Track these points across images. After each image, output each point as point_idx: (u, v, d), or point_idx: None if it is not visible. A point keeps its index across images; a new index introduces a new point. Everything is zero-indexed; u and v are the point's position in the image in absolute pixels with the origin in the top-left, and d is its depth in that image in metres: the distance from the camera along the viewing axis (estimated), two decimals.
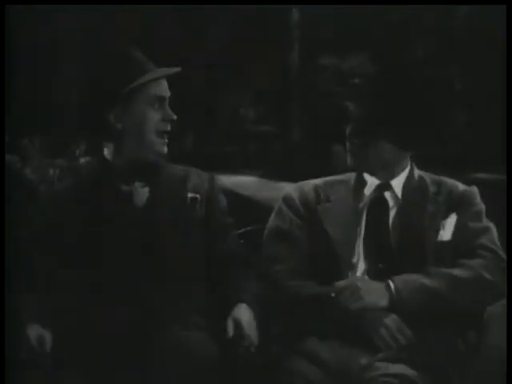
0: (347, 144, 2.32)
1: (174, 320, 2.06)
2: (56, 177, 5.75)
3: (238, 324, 2.01)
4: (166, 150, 2.21)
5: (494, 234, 2.23)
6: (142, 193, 2.19)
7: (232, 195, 2.67)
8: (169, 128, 2.21)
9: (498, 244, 2.22)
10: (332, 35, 11.64)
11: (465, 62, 10.79)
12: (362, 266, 2.22)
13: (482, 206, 2.28)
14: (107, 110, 2.17)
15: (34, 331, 2.01)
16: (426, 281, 2.12)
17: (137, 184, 2.19)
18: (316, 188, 2.31)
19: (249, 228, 2.43)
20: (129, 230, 2.14)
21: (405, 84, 2.39)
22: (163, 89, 2.22)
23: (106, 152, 2.22)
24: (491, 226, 2.25)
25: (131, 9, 10.16)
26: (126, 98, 2.16)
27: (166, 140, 2.21)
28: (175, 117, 2.21)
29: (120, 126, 2.17)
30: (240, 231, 2.37)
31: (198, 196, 2.21)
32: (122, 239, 2.13)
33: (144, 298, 2.08)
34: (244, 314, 2.05)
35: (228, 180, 5.55)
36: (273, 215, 2.31)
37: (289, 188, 2.35)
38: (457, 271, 2.15)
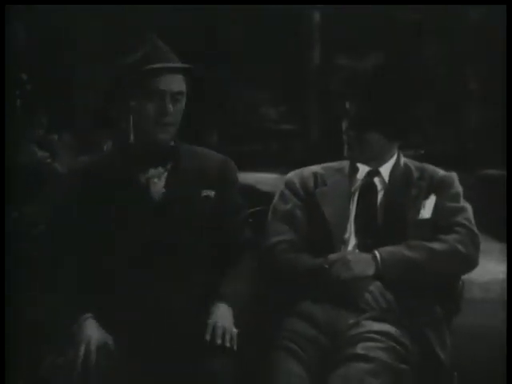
0: (344, 136, 2.62)
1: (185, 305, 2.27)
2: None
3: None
4: (169, 138, 2.34)
5: (469, 213, 2.51)
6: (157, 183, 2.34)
7: (252, 190, 2.94)
8: (171, 120, 2.32)
9: (473, 222, 2.49)
10: (350, 36, 11.79)
11: (471, 63, 10.89)
12: (352, 241, 2.49)
13: (460, 189, 2.56)
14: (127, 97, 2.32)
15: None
16: (408, 252, 2.40)
17: (151, 171, 2.35)
18: (314, 174, 2.61)
19: (258, 208, 2.72)
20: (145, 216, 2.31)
21: (395, 83, 2.68)
22: (168, 83, 2.32)
23: (123, 141, 2.37)
24: (467, 206, 2.53)
25: (144, 9, 10.26)
26: (131, 92, 2.31)
27: (170, 129, 2.34)
28: (172, 109, 2.31)
29: (129, 119, 2.32)
30: (250, 210, 2.66)
31: (211, 194, 2.38)
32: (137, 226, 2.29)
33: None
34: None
35: (249, 176, 5.82)
36: (276, 197, 2.60)
37: (291, 174, 2.63)
38: (435, 245, 2.42)
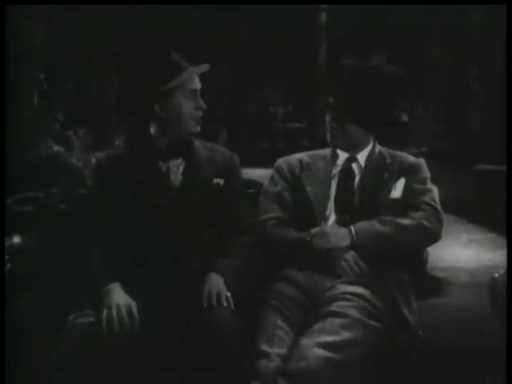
0: (327, 127, 2.99)
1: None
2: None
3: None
4: (198, 129, 2.71)
5: (434, 194, 2.85)
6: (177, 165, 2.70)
7: (255, 185, 3.29)
8: (201, 114, 2.70)
9: (437, 201, 2.83)
10: (356, 36, 12.05)
11: (472, 63, 11.07)
12: (332, 218, 2.85)
13: (428, 174, 2.90)
14: (152, 101, 2.65)
15: None
16: (379, 227, 2.74)
17: (172, 162, 2.70)
18: (300, 160, 2.97)
19: (251, 191, 3.08)
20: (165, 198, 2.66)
21: (371, 80, 3.03)
22: (195, 83, 2.69)
23: (152, 131, 2.71)
24: (433, 188, 2.87)
25: (156, 8, 10.44)
26: (167, 92, 2.64)
27: (199, 122, 2.71)
28: (205, 106, 2.69)
29: (163, 114, 2.66)
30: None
31: (221, 182, 2.73)
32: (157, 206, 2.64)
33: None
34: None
35: (254, 172, 6.15)
36: (267, 181, 2.97)
37: (279, 160, 3.00)
38: (403, 220, 2.76)
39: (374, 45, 11.74)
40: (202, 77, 2.73)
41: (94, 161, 2.84)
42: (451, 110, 11.98)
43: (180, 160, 2.72)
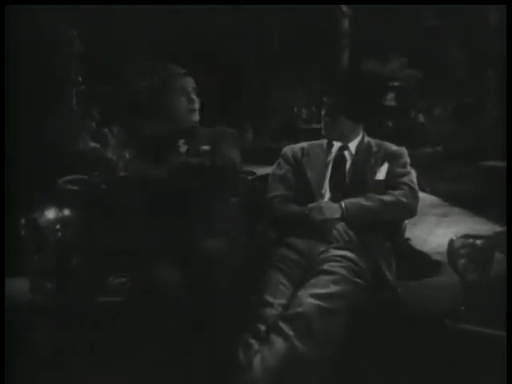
0: (322, 121, 3.56)
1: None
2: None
3: None
4: (197, 118, 3.43)
5: (413, 176, 3.39)
6: (183, 147, 3.40)
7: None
8: (195, 107, 3.43)
9: (415, 182, 3.36)
10: (377, 41, 12.47)
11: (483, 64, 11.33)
12: (327, 195, 3.40)
13: (407, 160, 3.44)
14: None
15: None
16: (365, 202, 3.28)
17: (180, 141, 3.40)
18: (302, 148, 3.55)
19: (258, 174, 3.67)
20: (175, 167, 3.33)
21: (361, 83, 3.60)
22: (187, 82, 3.44)
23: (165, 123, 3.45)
24: (412, 171, 3.41)
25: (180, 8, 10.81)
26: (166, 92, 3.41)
27: (196, 113, 3.43)
28: (196, 100, 3.41)
29: (169, 109, 3.42)
30: (254, 177, 3.63)
31: (207, 148, 3.36)
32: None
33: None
34: None
35: None
36: (274, 165, 3.54)
37: (285, 148, 3.59)
38: (385, 197, 3.30)
39: (393, 48, 12.19)
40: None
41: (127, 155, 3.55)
42: (469, 109, 12.19)
43: (186, 139, 3.43)
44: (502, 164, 8.60)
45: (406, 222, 3.49)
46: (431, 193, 8.56)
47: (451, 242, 2.92)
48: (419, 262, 3.45)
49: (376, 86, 12.19)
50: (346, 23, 13.87)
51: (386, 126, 11.20)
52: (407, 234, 3.65)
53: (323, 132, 3.52)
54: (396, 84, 11.72)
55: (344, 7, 13.36)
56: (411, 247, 3.55)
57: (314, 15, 12.68)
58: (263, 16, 13.32)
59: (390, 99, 11.66)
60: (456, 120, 11.62)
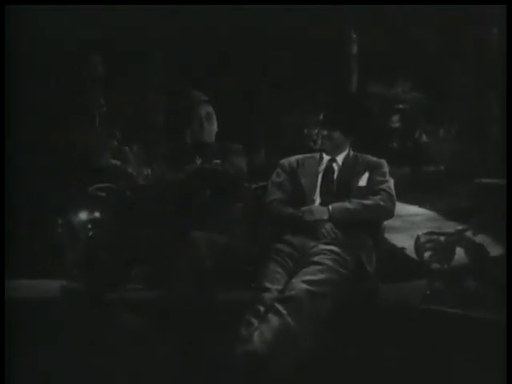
0: (318, 136, 4.10)
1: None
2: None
3: None
4: (213, 139, 4.05)
5: (390, 184, 3.89)
6: (198, 160, 4.00)
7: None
8: (213, 129, 4.07)
9: (392, 189, 3.87)
10: (384, 65, 12.85)
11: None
12: (318, 200, 3.89)
13: (386, 169, 3.94)
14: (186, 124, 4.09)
15: None
16: (349, 206, 3.78)
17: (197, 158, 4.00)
18: (297, 159, 4.09)
19: (261, 184, 4.22)
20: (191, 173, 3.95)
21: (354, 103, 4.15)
22: (206, 108, 4.10)
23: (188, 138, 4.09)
24: (390, 180, 3.91)
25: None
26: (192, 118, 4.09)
27: (214, 134, 4.06)
28: (215, 123, 4.08)
29: (190, 129, 4.07)
30: (260, 184, 4.18)
31: (218, 162, 3.98)
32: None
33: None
34: None
35: None
36: (274, 174, 4.06)
37: (283, 160, 4.10)
38: (366, 201, 3.80)
39: (400, 72, 12.55)
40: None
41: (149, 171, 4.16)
42: (472, 131, 12.40)
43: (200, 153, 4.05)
44: (503, 182, 8.90)
45: (385, 223, 3.99)
46: (430, 209, 9.00)
47: (418, 237, 3.45)
48: (397, 258, 3.96)
49: (382, 107, 12.51)
50: (355, 48, 14.26)
51: (392, 146, 11.62)
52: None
53: (318, 145, 4.05)
54: (401, 106, 12.09)
55: (353, 34, 13.78)
56: (393, 245, 4.05)
57: (324, 42, 12.99)
58: (276, 42, 13.63)
59: (395, 121, 12.06)
60: (459, 141, 11.86)
